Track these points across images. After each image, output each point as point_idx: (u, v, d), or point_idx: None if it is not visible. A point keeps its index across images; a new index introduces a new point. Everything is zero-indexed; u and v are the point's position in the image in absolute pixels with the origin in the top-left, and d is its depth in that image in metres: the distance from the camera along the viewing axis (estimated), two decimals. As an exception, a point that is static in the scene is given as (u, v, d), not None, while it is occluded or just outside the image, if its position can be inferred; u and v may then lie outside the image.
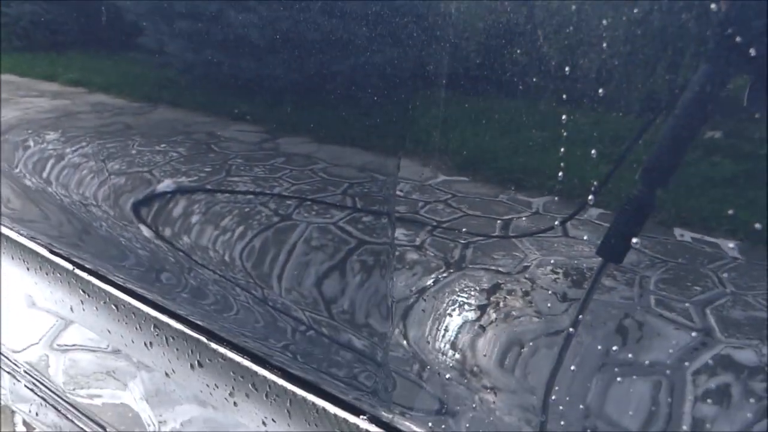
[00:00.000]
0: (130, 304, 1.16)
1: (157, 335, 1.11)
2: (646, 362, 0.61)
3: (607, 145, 0.61)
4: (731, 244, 0.57)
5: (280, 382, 0.93)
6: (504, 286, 0.72)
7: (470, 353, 0.72)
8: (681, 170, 0.57)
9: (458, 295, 0.74)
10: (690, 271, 0.62)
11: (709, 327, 0.60)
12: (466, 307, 0.73)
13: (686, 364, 0.59)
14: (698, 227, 0.60)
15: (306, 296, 0.89)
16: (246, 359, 0.98)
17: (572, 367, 0.63)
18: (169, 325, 1.08)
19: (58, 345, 1.44)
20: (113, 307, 1.20)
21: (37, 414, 1.50)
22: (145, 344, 1.14)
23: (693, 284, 0.62)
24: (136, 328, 1.15)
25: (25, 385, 1.52)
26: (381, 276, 0.82)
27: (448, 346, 0.73)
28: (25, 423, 1.96)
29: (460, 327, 0.73)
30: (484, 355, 0.70)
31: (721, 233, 0.58)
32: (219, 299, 1.03)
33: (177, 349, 1.08)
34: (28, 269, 1.42)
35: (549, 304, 0.68)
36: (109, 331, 1.23)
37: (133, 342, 1.17)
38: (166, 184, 1.09)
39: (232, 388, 1.00)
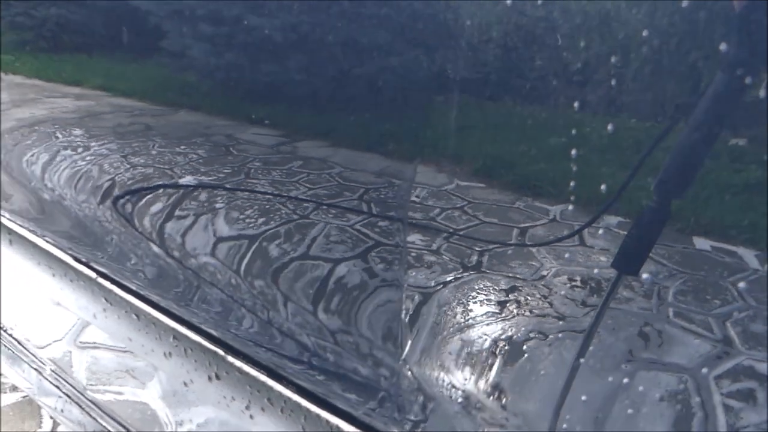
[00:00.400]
0: (150, 314, 1.17)
1: (176, 346, 1.12)
2: (664, 386, 0.60)
3: (627, 155, 0.60)
4: (752, 254, 0.56)
5: (295, 397, 0.93)
6: (520, 302, 0.71)
7: (485, 374, 0.71)
8: (697, 181, 0.56)
9: (471, 311, 0.74)
10: (708, 283, 0.61)
11: (729, 339, 0.59)
12: (480, 323, 0.72)
13: (709, 384, 0.58)
14: (717, 238, 0.58)
15: (321, 313, 0.89)
16: (262, 373, 0.98)
17: (583, 397, 0.62)
18: (187, 337, 1.09)
19: (81, 342, 1.46)
20: (134, 316, 1.21)
21: (62, 410, 1.52)
22: (165, 354, 1.16)
23: (712, 297, 0.61)
24: (156, 338, 1.17)
25: (50, 381, 1.54)
26: (395, 289, 0.81)
27: (462, 366, 0.73)
28: (51, 417, 1.99)
29: (474, 345, 0.72)
30: (498, 378, 0.70)
31: (740, 243, 0.57)
32: (235, 312, 1.04)
33: (195, 361, 1.09)
34: (53, 275, 1.45)
35: (563, 321, 0.67)
36: (130, 339, 1.25)
37: (153, 351, 1.19)
38: (185, 194, 1.10)
39: (249, 401, 1.01)
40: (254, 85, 0.99)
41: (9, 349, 1.62)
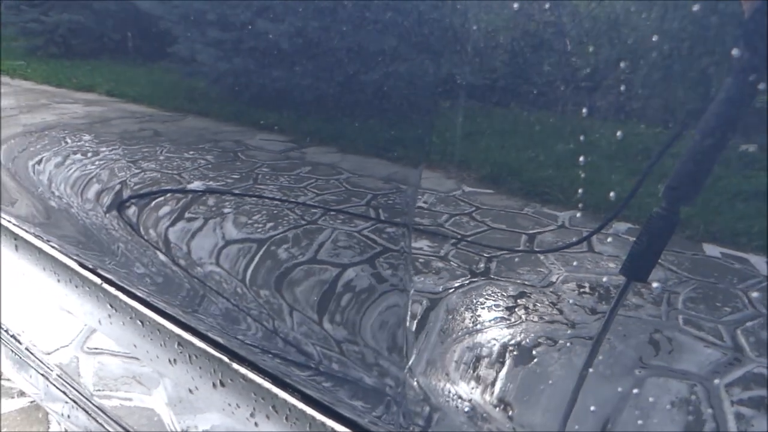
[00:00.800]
0: (155, 320, 1.17)
1: (181, 353, 1.12)
2: (674, 393, 0.59)
3: (636, 160, 0.59)
4: (762, 261, 0.55)
5: (300, 405, 0.93)
6: (528, 309, 0.70)
7: (492, 382, 0.70)
8: (707, 188, 0.55)
9: (479, 317, 0.73)
10: (719, 290, 0.60)
11: (739, 346, 0.58)
12: (487, 330, 0.72)
13: (720, 391, 0.57)
14: (727, 244, 0.58)
15: (325, 320, 0.88)
16: (267, 381, 0.98)
17: (592, 406, 0.62)
18: (192, 343, 1.09)
19: (88, 348, 1.46)
20: (139, 322, 1.21)
21: (68, 416, 1.53)
22: (170, 360, 1.15)
23: (723, 304, 0.60)
24: (161, 345, 1.17)
25: (57, 387, 1.54)
26: (399, 297, 0.81)
27: (469, 373, 0.72)
28: (58, 422, 1.99)
29: (481, 352, 0.71)
30: (505, 385, 0.69)
31: (750, 250, 0.56)
32: (239, 319, 1.03)
33: (200, 368, 1.09)
34: (59, 281, 1.45)
35: (572, 328, 0.66)
36: (135, 346, 1.25)
37: (158, 357, 1.19)
38: (188, 202, 1.10)
39: (254, 408, 1.00)
40: (263, 91, 0.99)
41: (16, 354, 1.63)
